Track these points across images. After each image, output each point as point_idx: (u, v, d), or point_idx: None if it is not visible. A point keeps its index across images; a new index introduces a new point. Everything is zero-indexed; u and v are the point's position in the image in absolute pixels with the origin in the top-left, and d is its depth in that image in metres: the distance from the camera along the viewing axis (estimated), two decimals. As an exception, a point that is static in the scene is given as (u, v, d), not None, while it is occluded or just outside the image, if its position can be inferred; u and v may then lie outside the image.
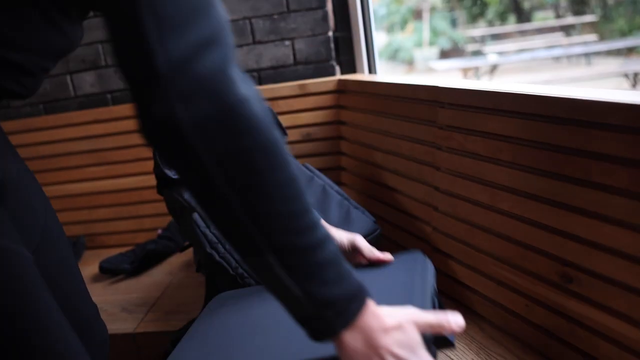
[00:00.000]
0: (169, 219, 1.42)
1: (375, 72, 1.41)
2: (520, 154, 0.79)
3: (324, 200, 1.02)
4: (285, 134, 1.23)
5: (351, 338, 0.48)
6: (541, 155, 0.75)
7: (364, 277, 0.53)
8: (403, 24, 7.84)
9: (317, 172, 1.11)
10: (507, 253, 0.83)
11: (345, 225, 0.96)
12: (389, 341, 0.49)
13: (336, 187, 1.07)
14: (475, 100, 0.88)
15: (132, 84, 0.41)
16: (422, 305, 0.62)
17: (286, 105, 1.36)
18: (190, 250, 1.32)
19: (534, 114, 0.77)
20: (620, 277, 0.65)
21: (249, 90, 0.42)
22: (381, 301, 0.53)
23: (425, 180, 1.02)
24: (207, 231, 0.95)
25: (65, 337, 0.56)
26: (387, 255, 0.76)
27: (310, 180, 1.07)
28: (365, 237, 0.95)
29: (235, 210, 0.42)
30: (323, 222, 0.73)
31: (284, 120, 1.29)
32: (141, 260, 1.28)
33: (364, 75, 1.38)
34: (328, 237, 0.47)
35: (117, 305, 1.13)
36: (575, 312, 0.72)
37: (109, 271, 1.27)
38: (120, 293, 1.18)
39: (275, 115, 1.23)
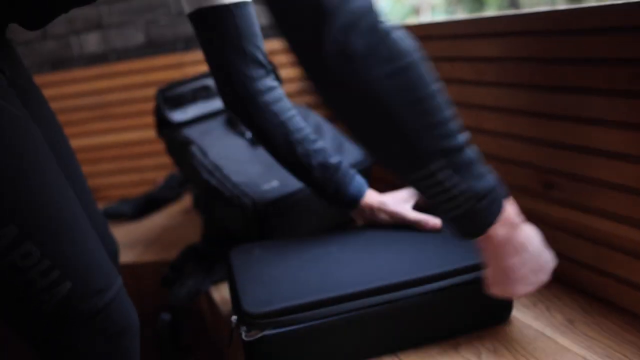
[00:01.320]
0: (170, 171, 1.46)
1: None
2: (503, 72, 0.83)
3: (317, 134, 1.06)
4: (280, 81, 1.26)
5: (500, 229, 0.55)
6: (522, 69, 0.79)
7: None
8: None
9: (313, 112, 1.15)
10: (492, 171, 0.87)
11: (337, 155, 1.00)
12: (524, 234, 0.58)
13: (330, 124, 1.11)
14: (460, 29, 0.92)
15: (299, 35, 0.47)
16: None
17: (283, 59, 1.39)
18: (189, 199, 1.36)
19: (514, 32, 0.80)
20: (597, 174, 0.68)
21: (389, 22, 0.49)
22: None
23: (415, 115, 1.05)
24: (204, 160, 0.99)
25: (72, 206, 0.58)
26: (433, 222, 0.76)
27: (306, 118, 1.11)
28: (355, 166, 0.99)
29: (402, 127, 0.49)
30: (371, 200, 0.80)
31: (281, 73, 1.32)
32: (142, 205, 1.32)
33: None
34: (468, 138, 0.53)
35: (118, 242, 1.17)
36: (557, 218, 0.75)
37: (111, 215, 1.31)
38: (121, 232, 1.21)
39: (275, 67, 1.27)
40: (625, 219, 0.65)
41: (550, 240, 0.77)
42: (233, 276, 0.69)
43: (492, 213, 0.55)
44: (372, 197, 0.81)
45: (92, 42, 1.53)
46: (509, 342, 0.66)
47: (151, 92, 1.32)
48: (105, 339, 0.57)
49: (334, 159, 0.80)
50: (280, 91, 0.80)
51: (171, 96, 1.14)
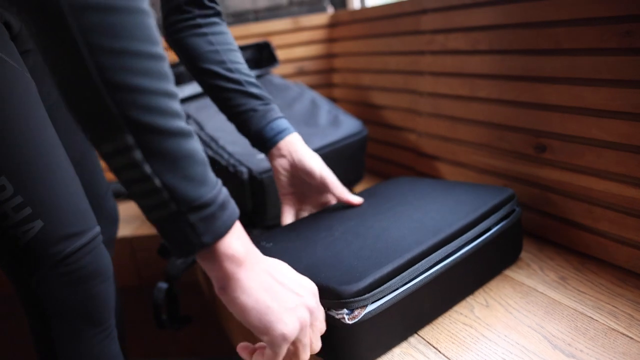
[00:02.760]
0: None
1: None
2: (496, 40, 0.83)
3: (313, 109, 1.07)
4: (277, 62, 1.27)
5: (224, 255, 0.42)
6: (515, 35, 0.80)
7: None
8: None
9: (308, 88, 1.16)
10: (486, 139, 0.87)
11: (333, 127, 1.01)
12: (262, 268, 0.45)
13: (326, 99, 1.11)
14: (454, 1, 0.93)
15: None
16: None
17: (280, 40, 1.41)
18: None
19: (507, -1, 0.81)
20: (587, 133, 0.69)
21: None
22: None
23: (409, 89, 1.06)
24: (201, 133, 1.00)
25: (56, 152, 0.58)
26: (357, 199, 0.73)
27: (301, 94, 1.12)
28: (352, 136, 1.00)
29: (91, 78, 0.36)
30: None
31: (278, 54, 1.33)
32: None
33: (355, 7, 1.43)
34: (194, 134, 0.40)
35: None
36: (549, 179, 0.76)
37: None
38: (119, 209, 1.22)
39: (272, 47, 1.28)
40: (616, 175, 0.66)
41: (544, 202, 0.78)
42: None
43: (209, 232, 0.40)
44: (297, 141, 0.72)
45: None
46: (502, 298, 0.66)
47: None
48: (71, 282, 0.58)
49: (265, 94, 0.74)
50: (223, 27, 0.75)
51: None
